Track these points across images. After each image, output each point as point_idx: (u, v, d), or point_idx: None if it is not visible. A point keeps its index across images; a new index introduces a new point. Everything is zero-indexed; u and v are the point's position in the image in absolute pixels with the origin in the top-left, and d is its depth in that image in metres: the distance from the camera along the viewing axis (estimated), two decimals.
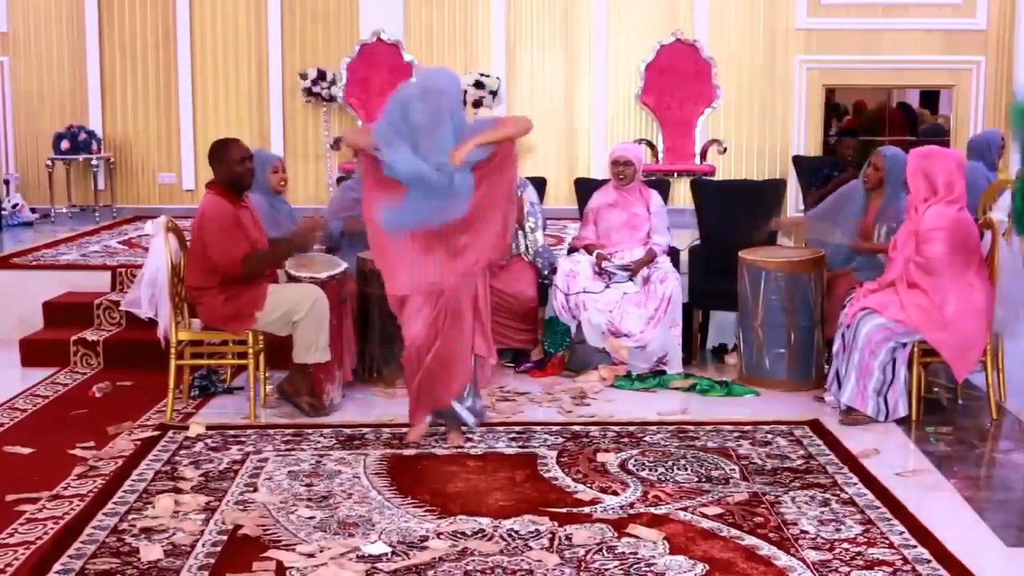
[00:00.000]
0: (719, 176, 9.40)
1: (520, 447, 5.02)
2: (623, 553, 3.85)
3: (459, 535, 4.00)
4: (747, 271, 6.12)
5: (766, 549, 3.89)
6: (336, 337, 5.55)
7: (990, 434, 5.39)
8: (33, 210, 9.84)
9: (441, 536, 3.99)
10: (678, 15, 10.11)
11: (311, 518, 4.17)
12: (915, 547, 3.91)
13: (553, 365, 6.34)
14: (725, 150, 9.67)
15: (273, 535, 4.02)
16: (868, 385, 5.33)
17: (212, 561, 3.80)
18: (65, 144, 9.76)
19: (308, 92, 9.89)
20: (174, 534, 4.02)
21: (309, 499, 4.37)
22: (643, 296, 6.34)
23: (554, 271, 6.53)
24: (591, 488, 4.49)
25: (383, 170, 4.78)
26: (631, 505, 4.30)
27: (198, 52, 10.24)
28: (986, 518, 4.24)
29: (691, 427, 5.31)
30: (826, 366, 5.91)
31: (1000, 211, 5.72)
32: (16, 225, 9.58)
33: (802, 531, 4.06)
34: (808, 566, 3.75)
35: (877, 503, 4.32)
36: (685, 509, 4.26)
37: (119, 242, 8.42)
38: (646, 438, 5.15)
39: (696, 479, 4.60)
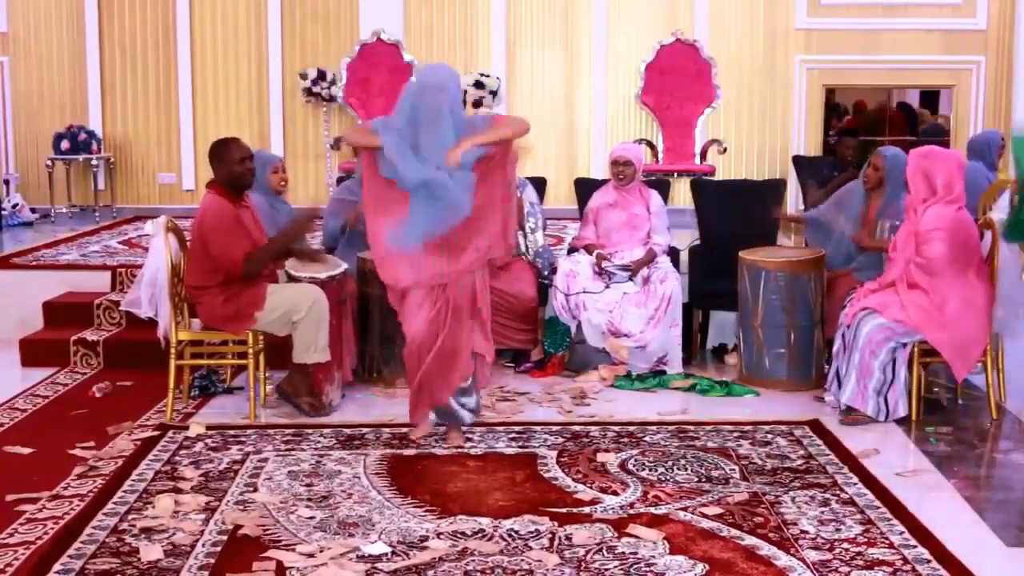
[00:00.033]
0: (719, 176, 9.40)
1: (520, 447, 5.02)
2: (623, 553, 3.85)
3: (459, 535, 4.00)
4: (747, 271, 6.12)
5: (766, 549, 3.89)
6: (336, 338, 5.55)
7: (990, 434, 5.39)
8: (33, 210, 9.84)
9: (441, 536, 3.99)
10: (678, 15, 10.11)
11: (311, 518, 4.17)
12: (915, 547, 3.91)
13: (553, 365, 6.34)
14: (725, 150, 9.67)
15: (273, 535, 4.02)
16: (868, 385, 5.33)
17: (212, 561, 3.80)
18: (65, 144, 9.76)
19: (308, 92, 9.89)
20: (174, 534, 4.02)
21: (309, 499, 4.37)
22: (643, 296, 6.34)
23: (554, 271, 6.53)
24: (591, 488, 4.49)
25: (384, 169, 4.78)
26: (631, 505, 4.30)
27: (198, 52, 10.24)
28: (986, 518, 4.24)
29: (691, 427, 5.31)
30: (826, 366, 5.91)
31: (1000, 211, 5.72)
32: (16, 225, 9.58)
33: (802, 531, 4.06)
34: (808, 566, 3.75)
35: (877, 503, 4.32)
36: (685, 509, 4.26)
37: (119, 242, 8.42)
38: (646, 438, 5.15)
39: (696, 479, 4.60)
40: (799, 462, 4.82)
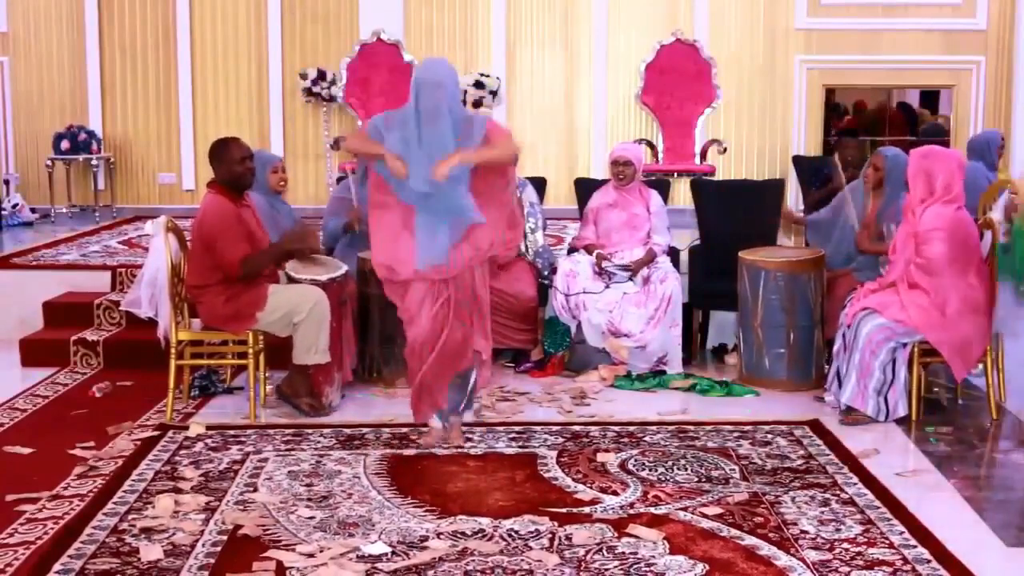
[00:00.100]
0: (719, 176, 9.40)
1: (520, 447, 5.02)
2: (623, 553, 3.85)
3: (459, 535, 4.00)
4: (747, 271, 6.12)
5: (766, 549, 3.89)
6: (336, 340, 5.54)
7: (990, 434, 5.39)
8: (33, 210, 9.84)
9: (441, 536, 3.99)
10: (678, 15, 10.11)
11: (311, 518, 4.17)
12: (915, 547, 3.91)
13: (553, 365, 6.34)
14: (725, 150, 9.67)
15: (273, 535, 4.02)
16: (868, 385, 5.33)
17: (212, 561, 3.80)
18: (65, 144, 9.76)
19: (308, 92, 9.89)
20: (174, 534, 4.02)
21: (309, 499, 4.37)
22: (643, 296, 6.34)
23: (554, 271, 6.53)
24: (591, 488, 4.49)
25: (385, 173, 4.77)
26: (631, 505, 4.30)
27: (198, 52, 10.24)
28: (986, 518, 4.24)
29: (691, 427, 5.31)
30: (826, 366, 5.91)
31: (999, 211, 5.72)
32: (16, 225, 9.58)
33: (802, 531, 4.06)
34: (808, 566, 3.75)
35: (877, 503, 4.32)
36: (685, 509, 4.26)
37: (119, 242, 8.42)
38: (646, 438, 5.15)
39: (696, 479, 4.60)
40: (799, 462, 4.82)
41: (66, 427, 5.35)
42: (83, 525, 4.09)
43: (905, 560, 3.81)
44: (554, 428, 5.29)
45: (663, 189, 7.04)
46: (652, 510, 4.25)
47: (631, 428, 5.28)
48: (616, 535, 4.00)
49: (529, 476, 4.63)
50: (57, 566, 3.75)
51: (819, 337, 6.09)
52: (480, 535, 4.01)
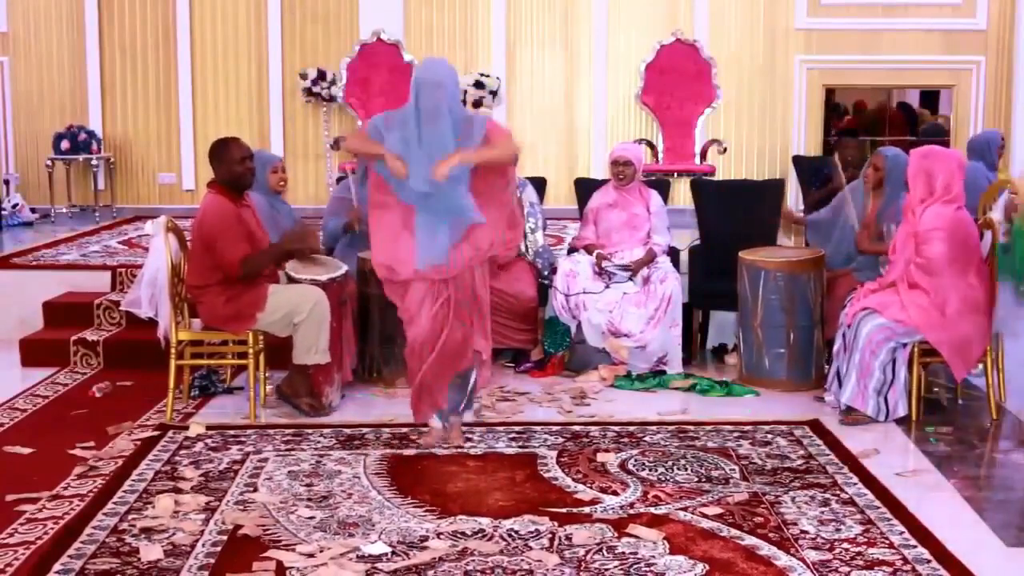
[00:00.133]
0: (719, 176, 9.39)
1: (520, 447, 5.02)
2: (623, 553, 3.85)
3: (459, 535, 4.00)
4: (746, 271, 6.12)
5: (766, 549, 3.89)
6: (336, 340, 5.54)
7: (990, 434, 5.39)
8: (33, 210, 9.84)
9: (441, 536, 3.99)
10: (678, 15, 10.11)
11: (311, 518, 4.17)
12: (915, 547, 3.91)
13: (553, 365, 6.34)
14: (725, 150, 9.67)
15: (273, 535, 4.02)
16: (868, 385, 5.33)
17: (212, 561, 3.80)
18: (65, 144, 9.76)
19: (308, 92, 9.89)
20: (174, 534, 4.02)
21: (309, 499, 4.37)
22: (643, 296, 6.34)
23: (554, 271, 6.53)
24: (591, 488, 4.49)
25: (385, 173, 4.77)
26: (631, 505, 4.30)
27: (198, 52, 10.24)
28: (986, 518, 4.24)
29: (691, 427, 5.31)
30: (826, 366, 5.91)
31: (999, 211, 5.72)
32: (16, 225, 9.58)
33: (802, 531, 4.06)
34: (808, 566, 3.75)
35: (877, 503, 4.32)
36: (685, 509, 4.26)
37: (119, 242, 8.42)
38: (646, 438, 5.15)
39: (696, 479, 4.60)
40: (799, 462, 4.82)
41: (66, 427, 5.35)
42: (83, 525, 4.09)
43: (905, 560, 3.81)
44: (554, 428, 5.29)
45: (663, 189, 7.04)
46: (652, 510, 4.25)
47: (631, 428, 5.28)
48: (616, 535, 4.00)
49: (529, 476, 4.63)
50: (57, 566, 3.75)
51: (819, 337, 6.09)
52: (480, 535, 4.01)
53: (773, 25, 10.14)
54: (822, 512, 4.24)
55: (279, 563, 3.77)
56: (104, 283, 7.14)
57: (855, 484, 4.53)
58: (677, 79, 9.81)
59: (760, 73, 10.17)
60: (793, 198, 9.55)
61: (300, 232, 5.62)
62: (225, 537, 4.00)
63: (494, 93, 9.84)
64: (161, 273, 5.35)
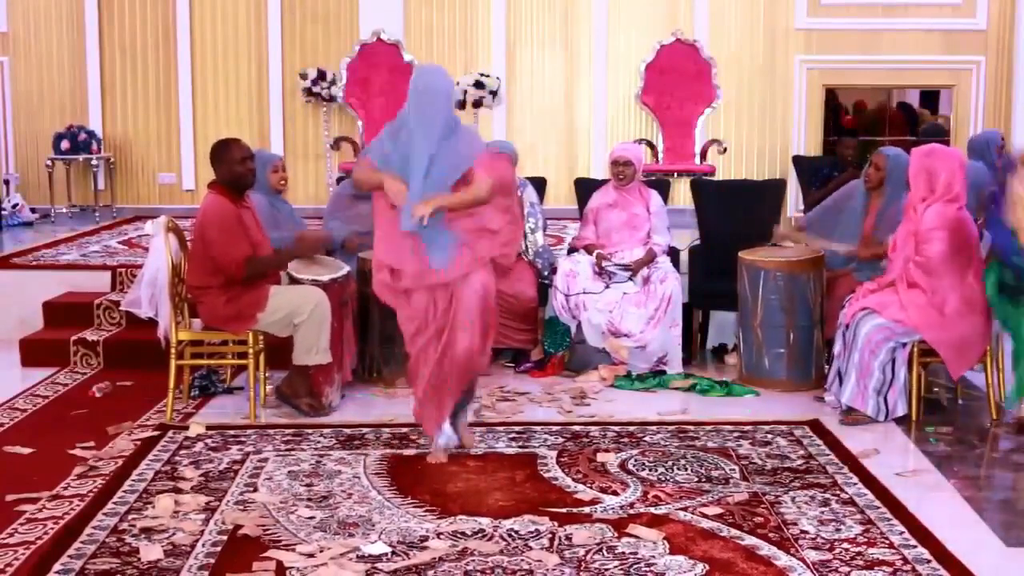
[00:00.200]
0: (719, 176, 9.39)
1: (520, 447, 5.02)
2: (623, 553, 3.85)
3: (459, 535, 4.00)
4: (746, 271, 6.12)
5: (766, 549, 3.89)
6: (336, 340, 5.54)
7: (990, 434, 5.39)
8: (33, 210, 9.84)
9: (441, 536, 3.99)
10: (678, 15, 10.11)
11: (311, 518, 4.17)
12: (915, 547, 3.91)
13: (553, 365, 6.34)
14: (725, 150, 9.67)
15: (273, 535, 4.02)
16: (868, 385, 5.33)
17: (212, 561, 3.80)
18: (65, 144, 9.76)
19: (308, 92, 9.89)
20: (174, 534, 4.02)
21: (309, 499, 4.37)
22: (643, 296, 6.34)
23: (554, 271, 6.53)
24: (591, 488, 4.49)
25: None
26: (631, 505, 4.30)
27: (198, 52, 10.24)
28: (986, 518, 4.24)
29: (691, 427, 5.31)
30: (826, 366, 5.91)
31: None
32: (16, 225, 9.58)
33: (802, 531, 4.06)
34: (808, 566, 3.75)
35: (877, 503, 4.32)
36: (685, 509, 4.26)
37: (119, 242, 8.42)
38: (646, 438, 5.15)
39: (696, 479, 4.60)
40: (799, 462, 4.82)
41: (66, 427, 5.35)
42: (83, 525, 4.09)
43: (905, 560, 3.81)
44: (554, 428, 5.29)
45: (663, 189, 7.04)
46: (652, 510, 4.25)
47: (631, 428, 5.28)
48: (616, 535, 4.00)
49: (529, 476, 4.63)
50: (57, 566, 3.75)
51: (819, 337, 6.09)
52: (480, 535, 4.01)
53: (773, 25, 10.14)
54: (822, 512, 4.24)
55: (279, 563, 3.77)
56: (104, 283, 7.14)
57: (855, 484, 4.53)
58: (677, 79, 9.81)
59: (760, 73, 10.17)
60: (793, 198, 9.55)
61: (309, 241, 5.62)
62: (225, 537, 4.00)
63: (494, 93, 9.85)
64: (161, 273, 5.35)
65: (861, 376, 5.34)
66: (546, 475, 4.65)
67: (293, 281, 5.54)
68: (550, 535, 4.00)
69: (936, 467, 4.81)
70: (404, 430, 5.18)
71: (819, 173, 8.60)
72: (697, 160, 9.57)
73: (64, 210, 9.97)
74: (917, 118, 11.35)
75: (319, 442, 5.08)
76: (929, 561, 3.80)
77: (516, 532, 4.03)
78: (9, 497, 4.38)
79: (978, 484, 4.72)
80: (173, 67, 10.23)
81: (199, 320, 5.51)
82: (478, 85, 9.74)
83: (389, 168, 4.69)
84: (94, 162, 9.94)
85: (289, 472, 4.67)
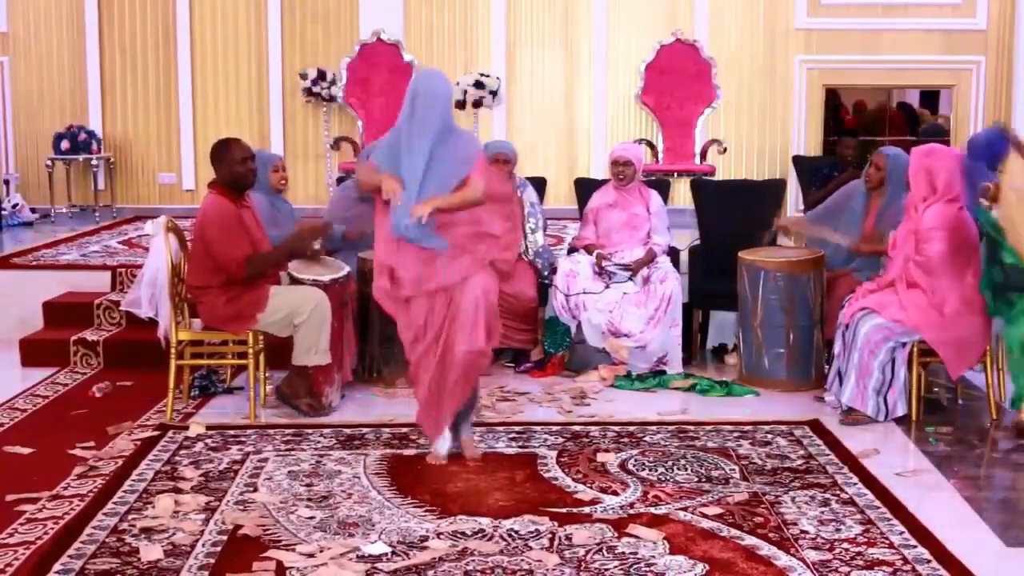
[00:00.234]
0: (719, 176, 9.39)
1: (520, 447, 5.02)
2: (623, 553, 3.85)
3: (459, 535, 4.01)
4: (746, 271, 6.12)
5: (766, 549, 3.89)
6: (336, 340, 5.54)
7: (990, 434, 5.39)
8: (33, 210, 9.84)
9: (441, 536, 3.99)
10: (678, 15, 10.11)
11: (311, 518, 4.17)
12: (915, 547, 3.91)
13: (553, 365, 6.34)
14: (725, 150, 9.66)
15: (273, 535, 4.02)
16: (868, 385, 5.33)
17: (212, 561, 3.80)
18: (65, 144, 9.75)
19: (308, 92, 9.89)
20: (174, 534, 4.02)
21: (309, 499, 4.37)
22: (643, 296, 6.34)
23: (554, 271, 6.53)
24: (591, 488, 4.49)
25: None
26: (631, 505, 4.30)
27: (198, 52, 10.24)
28: (986, 518, 4.24)
29: (691, 427, 5.31)
30: (826, 366, 5.91)
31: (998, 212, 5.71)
32: (16, 225, 9.58)
33: (802, 531, 4.06)
34: (808, 566, 3.75)
35: (877, 503, 4.32)
36: (685, 509, 4.26)
37: (119, 242, 8.42)
38: (646, 438, 5.15)
39: (696, 479, 4.60)
40: (799, 462, 4.82)
41: (66, 427, 5.35)
42: (83, 525, 4.09)
43: (905, 560, 3.81)
44: (554, 428, 5.29)
45: (663, 189, 7.04)
46: (652, 510, 4.25)
47: (631, 428, 5.28)
48: (616, 535, 4.00)
49: (529, 476, 4.63)
50: (57, 566, 3.75)
51: (819, 337, 6.09)
52: (480, 535, 4.01)
53: (773, 25, 10.13)
54: (822, 512, 4.24)
55: (279, 563, 3.77)
56: (104, 283, 7.14)
57: (855, 484, 4.53)
58: (677, 79, 9.81)
59: (760, 73, 10.16)
60: (793, 198, 9.55)
61: (308, 229, 5.62)
62: (225, 537, 4.00)
63: (494, 93, 9.85)
64: (161, 273, 5.35)
65: (861, 376, 5.34)
66: (546, 475, 4.65)
67: (294, 281, 5.54)
68: (550, 535, 4.00)
69: (936, 467, 4.81)
70: (404, 430, 5.18)
71: (819, 173, 8.60)
72: (697, 160, 9.57)
73: (64, 210, 9.97)
74: (917, 118, 11.35)
75: (319, 442, 5.08)
76: (929, 561, 3.80)
77: (516, 532, 4.03)
78: (9, 497, 4.38)
79: (978, 484, 4.72)
80: (173, 67, 10.22)
81: (199, 320, 5.51)
82: (478, 85, 9.74)
83: (390, 169, 4.69)
84: (94, 162, 9.94)
85: (289, 472, 4.67)
